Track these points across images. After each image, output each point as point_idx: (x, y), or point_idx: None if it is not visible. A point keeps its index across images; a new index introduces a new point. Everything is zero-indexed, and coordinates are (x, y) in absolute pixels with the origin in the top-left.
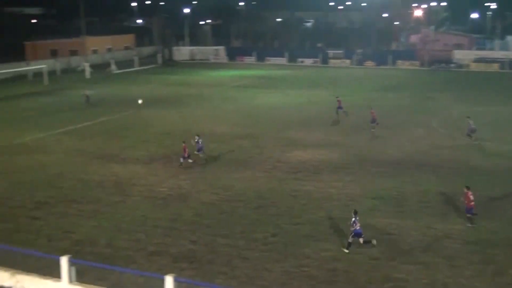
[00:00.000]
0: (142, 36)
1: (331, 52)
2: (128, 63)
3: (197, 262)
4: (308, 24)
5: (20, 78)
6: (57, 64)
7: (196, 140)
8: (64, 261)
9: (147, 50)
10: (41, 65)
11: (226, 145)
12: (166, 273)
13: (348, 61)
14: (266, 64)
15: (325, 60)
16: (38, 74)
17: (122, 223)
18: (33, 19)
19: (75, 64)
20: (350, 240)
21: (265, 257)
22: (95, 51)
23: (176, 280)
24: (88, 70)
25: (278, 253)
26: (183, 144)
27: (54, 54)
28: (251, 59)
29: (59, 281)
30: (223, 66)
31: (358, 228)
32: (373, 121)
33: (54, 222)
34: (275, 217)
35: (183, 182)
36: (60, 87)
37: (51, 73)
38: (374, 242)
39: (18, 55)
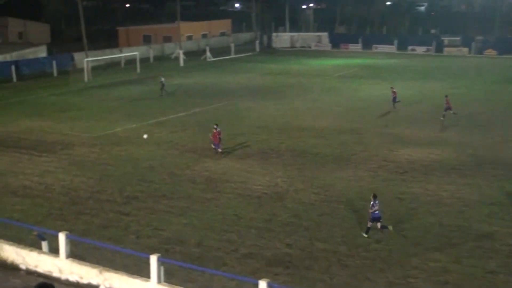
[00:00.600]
0: (240, 21)
1: (446, 39)
2: (224, 50)
3: (293, 267)
4: (421, 8)
5: (112, 65)
6: (150, 51)
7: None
8: (153, 260)
9: (244, 36)
10: (134, 52)
11: (326, 140)
12: (259, 277)
13: (465, 49)
14: (373, 52)
15: (439, 48)
16: (130, 61)
17: (213, 221)
18: (127, 3)
19: (168, 51)
20: (368, 225)
21: (367, 265)
22: (189, 38)
23: (270, 286)
24: (182, 58)
25: (381, 262)
26: (215, 130)
27: (147, 40)
28: (356, 47)
29: (148, 281)
30: (326, 54)
31: (376, 212)
32: (447, 109)
33: (143, 218)
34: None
35: (280, 179)
36: (152, 75)
37: (144, 60)
38: (391, 228)
39: (112, 41)
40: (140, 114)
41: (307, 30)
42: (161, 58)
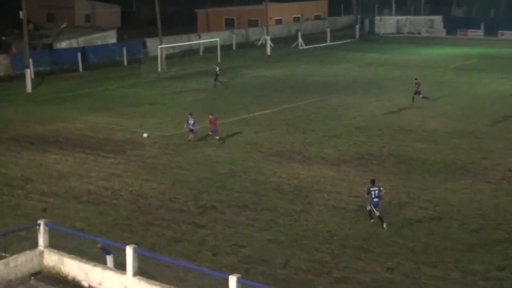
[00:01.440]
0: (337, 2)
1: None
2: (318, 36)
3: None
4: None
5: (189, 53)
6: (233, 36)
7: (188, 120)
8: (232, 281)
9: (342, 20)
10: (214, 38)
11: (438, 145)
12: None
13: None
14: (499, 39)
15: None
16: (210, 49)
17: (302, 238)
18: None
19: (254, 38)
20: (368, 208)
21: None
22: (278, 21)
23: None
24: (269, 45)
25: None
26: (211, 116)
27: (229, 24)
28: (477, 33)
29: None
30: (439, 41)
31: (375, 199)
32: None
33: (221, 232)
34: (502, 244)
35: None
36: (235, 65)
37: (226, 47)
38: (385, 226)
39: (189, 26)
40: (220, 110)
41: (416, 13)
42: (245, 45)
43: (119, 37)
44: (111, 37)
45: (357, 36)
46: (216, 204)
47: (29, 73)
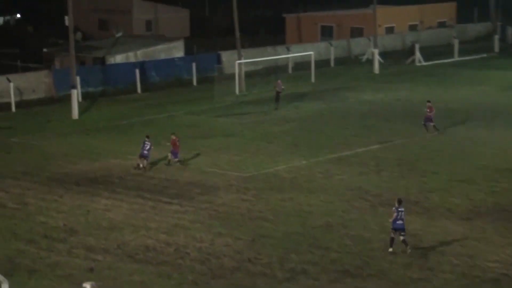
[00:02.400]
0: (469, 6)
1: None
2: (443, 50)
3: None
4: None
5: (276, 70)
6: (331, 49)
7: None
8: None
9: (475, 28)
10: (307, 52)
11: None
12: None
13: None
14: None
15: None
16: (302, 65)
17: None
18: None
19: (358, 51)
20: (391, 235)
21: None
22: (390, 30)
23: None
24: (377, 61)
25: None
26: (174, 137)
27: (326, 33)
28: None
29: None
30: None
31: (399, 222)
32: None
33: None
34: None
35: None
36: (333, 86)
37: (321, 63)
38: (409, 250)
39: (275, 34)
40: (313, 144)
41: None
42: (347, 61)
43: (188, 50)
44: (177, 50)
45: (496, 49)
46: (307, 267)
47: (75, 95)
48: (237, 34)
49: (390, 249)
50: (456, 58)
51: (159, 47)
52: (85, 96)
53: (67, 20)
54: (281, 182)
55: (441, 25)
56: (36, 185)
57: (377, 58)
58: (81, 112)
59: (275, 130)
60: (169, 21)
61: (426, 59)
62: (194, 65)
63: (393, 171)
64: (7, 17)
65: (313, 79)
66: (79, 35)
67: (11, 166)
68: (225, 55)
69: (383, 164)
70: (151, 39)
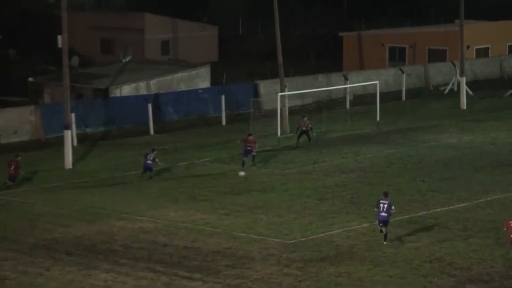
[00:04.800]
0: None
1: None
2: None
3: None
4: None
5: (329, 105)
6: (403, 78)
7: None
8: None
9: None
10: (370, 81)
11: None
12: None
13: None
14: None
15: None
16: (363, 98)
17: None
18: None
19: (438, 80)
20: (379, 228)
21: None
22: (482, 53)
23: None
24: (465, 93)
25: None
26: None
27: (396, 57)
28: None
29: None
30: None
31: (383, 214)
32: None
33: None
34: None
35: None
36: (405, 126)
37: (390, 96)
38: (385, 243)
39: (331, 58)
40: (374, 201)
41: None
42: (423, 93)
43: (215, 79)
44: (201, 79)
45: None
46: None
47: (69, 138)
48: (280, 58)
49: (385, 242)
50: None
51: (178, 75)
52: (82, 138)
53: (60, 41)
54: (335, 251)
55: None
56: (16, 255)
57: (464, 89)
58: (76, 160)
59: (328, 183)
60: (191, 42)
61: None
62: (223, 98)
63: (486, 237)
64: None
65: (378, 117)
66: (75, 59)
67: None
68: (264, 86)
69: (471, 228)
70: (168, 65)
